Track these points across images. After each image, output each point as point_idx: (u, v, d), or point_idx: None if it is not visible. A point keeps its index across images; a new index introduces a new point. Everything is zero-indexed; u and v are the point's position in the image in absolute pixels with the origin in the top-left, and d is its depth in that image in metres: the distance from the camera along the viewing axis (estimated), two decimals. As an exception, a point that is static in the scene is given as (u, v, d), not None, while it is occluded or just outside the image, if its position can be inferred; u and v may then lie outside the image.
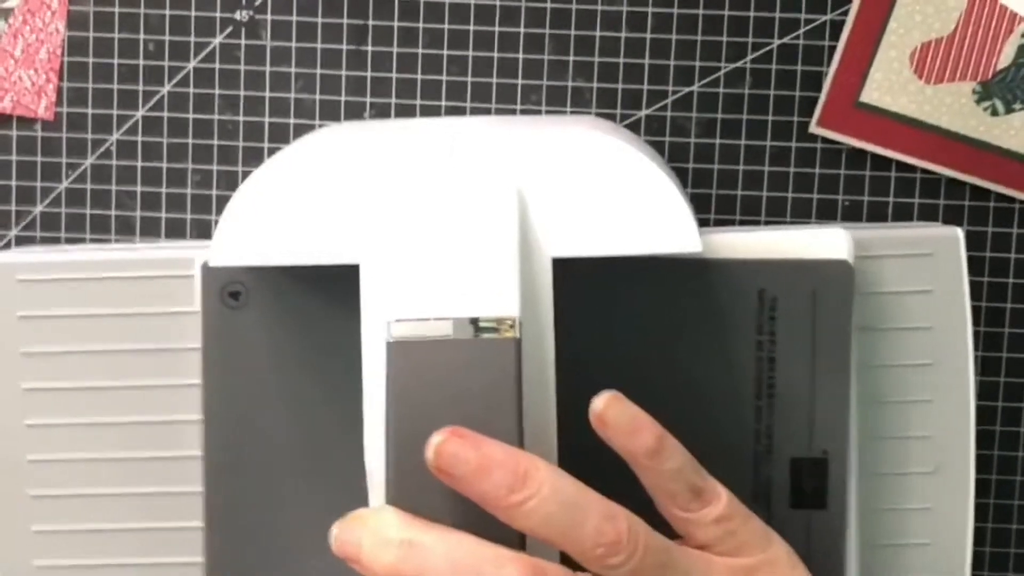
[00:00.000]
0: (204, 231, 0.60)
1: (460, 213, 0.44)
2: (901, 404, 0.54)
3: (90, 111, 0.60)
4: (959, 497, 0.54)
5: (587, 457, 0.44)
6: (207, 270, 0.51)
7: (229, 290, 0.51)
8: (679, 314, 0.49)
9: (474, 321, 0.42)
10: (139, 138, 0.60)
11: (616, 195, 0.46)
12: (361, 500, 0.50)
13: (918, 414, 0.54)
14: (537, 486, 0.40)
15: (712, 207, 0.60)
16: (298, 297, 0.51)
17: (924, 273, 0.54)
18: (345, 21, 0.60)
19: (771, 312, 0.48)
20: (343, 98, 0.60)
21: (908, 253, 0.54)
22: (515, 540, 0.41)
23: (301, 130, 0.60)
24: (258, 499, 0.51)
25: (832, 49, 0.59)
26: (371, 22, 0.60)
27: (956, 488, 0.54)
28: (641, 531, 0.41)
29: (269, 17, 0.60)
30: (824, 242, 0.50)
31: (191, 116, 0.60)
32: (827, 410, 0.49)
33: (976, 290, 0.59)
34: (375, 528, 0.41)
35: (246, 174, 0.59)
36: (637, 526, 0.41)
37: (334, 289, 0.50)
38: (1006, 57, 0.59)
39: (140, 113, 0.60)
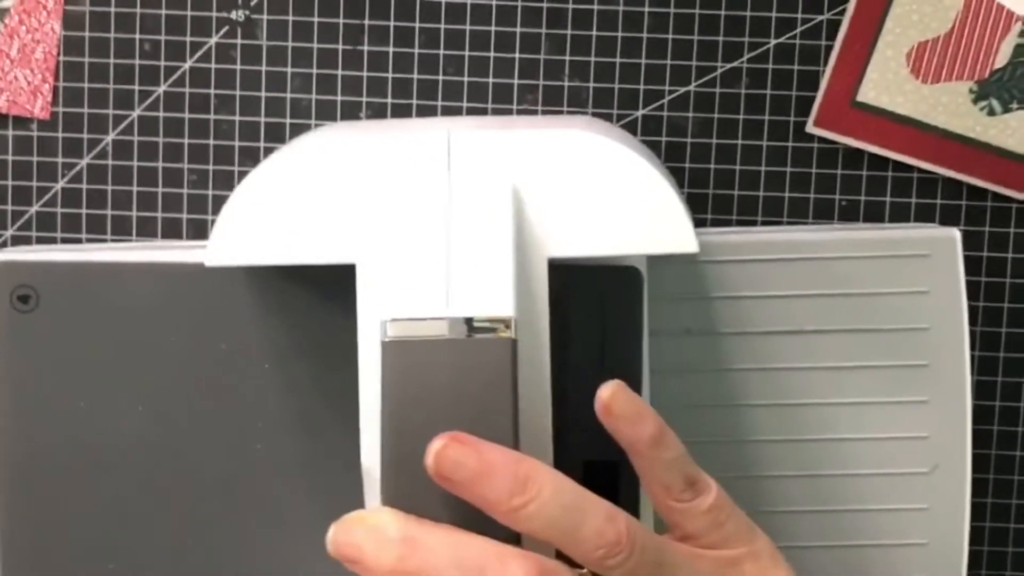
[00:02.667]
0: (200, 231, 0.60)
1: (456, 213, 0.44)
2: (897, 404, 0.54)
3: (86, 111, 0.60)
4: (956, 497, 0.54)
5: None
6: None
7: (18, 294, 0.50)
8: None
9: (470, 321, 0.42)
10: (135, 138, 0.60)
11: (613, 196, 0.46)
12: (164, 503, 0.51)
13: (914, 414, 0.54)
14: (538, 490, 0.40)
15: (709, 207, 0.60)
16: (94, 300, 0.51)
17: (921, 274, 0.54)
18: (341, 21, 0.60)
19: (562, 316, 0.48)
20: (339, 98, 0.60)
21: (905, 254, 0.54)
22: (512, 538, 0.41)
23: (297, 130, 0.60)
24: (56, 507, 0.51)
25: (829, 49, 0.59)
26: (367, 22, 0.60)
27: (952, 488, 0.54)
28: (638, 530, 0.41)
29: (265, 17, 0.60)
30: None
31: (187, 116, 0.60)
32: None
33: (973, 290, 0.59)
34: (375, 528, 0.41)
35: (242, 174, 0.59)
36: (635, 526, 0.41)
37: (133, 290, 0.50)
38: (1003, 56, 0.59)
39: (136, 113, 0.60)
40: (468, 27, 0.59)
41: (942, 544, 0.54)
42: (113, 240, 0.60)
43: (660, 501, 0.45)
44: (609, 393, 0.44)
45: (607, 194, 0.46)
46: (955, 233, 0.54)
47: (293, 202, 0.46)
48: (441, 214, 0.44)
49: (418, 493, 0.41)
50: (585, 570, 0.42)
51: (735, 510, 0.46)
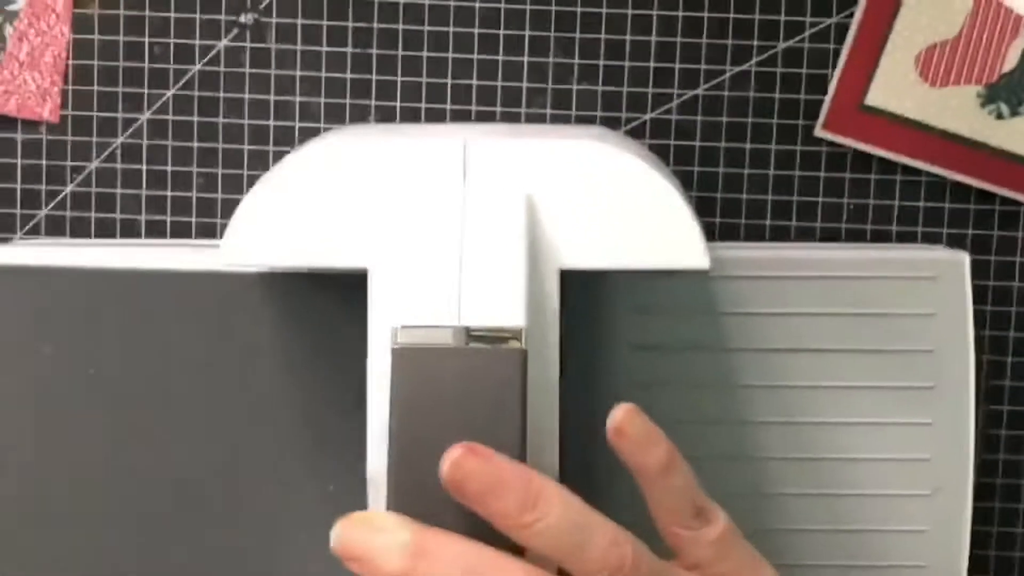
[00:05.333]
0: (209, 234, 0.60)
1: (470, 222, 0.44)
2: (901, 426, 0.54)
3: (95, 114, 0.60)
4: (956, 521, 0.54)
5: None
6: None
7: None
8: None
9: (480, 330, 0.42)
10: (144, 141, 0.60)
11: (626, 210, 0.46)
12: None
13: (918, 436, 0.54)
14: (548, 508, 0.40)
15: (717, 211, 0.60)
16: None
17: (928, 296, 0.54)
18: (350, 24, 0.60)
19: None
20: (348, 101, 0.60)
21: (913, 275, 0.54)
22: (515, 548, 0.41)
23: (306, 133, 0.60)
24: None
25: (837, 52, 0.59)
26: (376, 25, 0.60)
27: (953, 512, 0.54)
28: (643, 555, 0.42)
29: (274, 20, 0.60)
30: None
31: (196, 119, 0.60)
32: None
33: (981, 293, 0.59)
34: (383, 530, 0.40)
35: (251, 177, 0.59)
36: (640, 550, 0.41)
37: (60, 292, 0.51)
38: (1011, 60, 0.59)
39: (145, 116, 0.60)
40: (477, 30, 0.59)
41: (941, 568, 0.54)
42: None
43: (666, 526, 0.45)
44: (622, 416, 0.44)
45: (621, 207, 0.46)
46: (963, 257, 0.54)
47: (308, 205, 0.46)
48: (455, 222, 0.44)
49: (423, 501, 0.41)
50: None
51: (741, 541, 0.46)
